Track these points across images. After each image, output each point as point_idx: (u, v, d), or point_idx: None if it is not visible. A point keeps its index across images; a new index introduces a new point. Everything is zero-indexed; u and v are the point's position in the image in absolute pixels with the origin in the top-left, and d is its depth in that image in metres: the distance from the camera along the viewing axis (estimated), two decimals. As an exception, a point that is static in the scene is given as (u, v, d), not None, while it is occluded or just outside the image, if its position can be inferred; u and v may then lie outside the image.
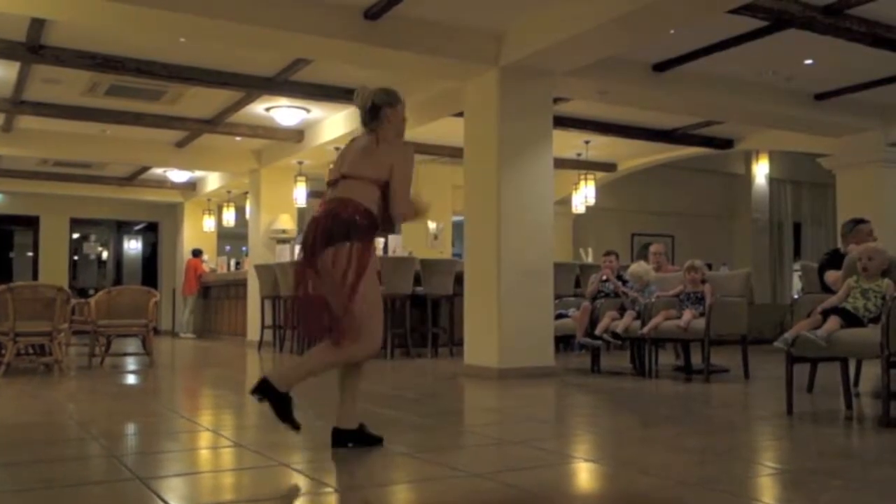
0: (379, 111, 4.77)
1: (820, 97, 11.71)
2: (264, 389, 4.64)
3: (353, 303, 4.48)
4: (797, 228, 19.69)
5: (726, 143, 15.02)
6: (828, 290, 6.96)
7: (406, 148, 4.80)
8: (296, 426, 4.67)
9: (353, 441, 4.73)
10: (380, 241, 14.01)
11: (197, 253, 19.88)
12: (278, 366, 5.01)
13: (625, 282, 9.98)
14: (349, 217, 4.52)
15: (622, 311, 9.61)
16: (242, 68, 10.82)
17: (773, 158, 19.14)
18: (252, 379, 10.36)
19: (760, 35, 9.10)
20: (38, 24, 9.07)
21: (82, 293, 18.51)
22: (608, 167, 17.04)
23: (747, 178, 19.40)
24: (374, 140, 4.73)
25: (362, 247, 4.52)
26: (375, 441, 4.80)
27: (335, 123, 13.38)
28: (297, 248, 4.93)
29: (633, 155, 16.39)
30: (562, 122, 12.21)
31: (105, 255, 23.91)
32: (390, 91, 4.87)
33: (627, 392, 8.30)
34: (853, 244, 7.42)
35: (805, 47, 9.67)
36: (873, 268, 6.06)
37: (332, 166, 4.92)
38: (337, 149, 13.68)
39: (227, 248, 22.68)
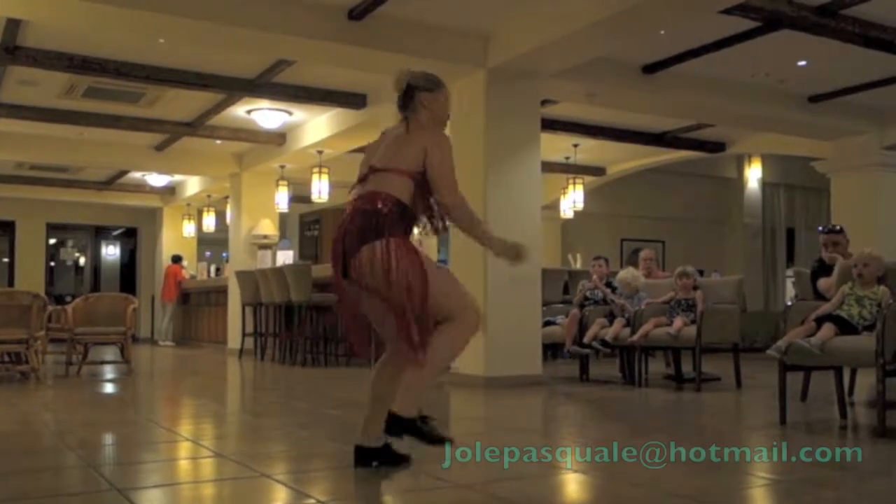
0: (413, 94, 4.34)
1: (814, 99, 11.64)
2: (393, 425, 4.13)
3: (414, 299, 4.00)
4: (790, 234, 19.62)
5: (718, 147, 14.95)
6: (821, 298, 6.91)
7: (440, 133, 4.36)
8: (447, 438, 4.19)
9: (378, 460, 4.36)
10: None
11: (176, 259, 19.78)
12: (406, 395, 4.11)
13: (614, 288, 9.85)
14: (374, 208, 4.09)
15: (611, 318, 9.48)
16: (223, 70, 10.74)
17: (766, 162, 19.08)
18: (233, 386, 10.26)
19: (752, 36, 9.05)
20: (13, 25, 9.01)
21: (59, 300, 18.37)
22: (597, 171, 16.99)
23: (739, 182, 19.32)
24: (405, 127, 4.32)
25: (397, 241, 4.04)
26: (403, 460, 4.40)
27: (318, 126, 13.27)
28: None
29: (622, 158, 16.36)
30: (550, 124, 12.16)
31: (82, 260, 23.86)
32: (430, 75, 4.46)
33: (617, 401, 8.28)
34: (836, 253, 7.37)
35: (798, 48, 9.62)
36: (868, 274, 5.98)
37: (362, 163, 4.48)
38: (320, 152, 13.65)
39: (208, 253, 22.62)
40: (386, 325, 4.19)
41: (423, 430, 4.10)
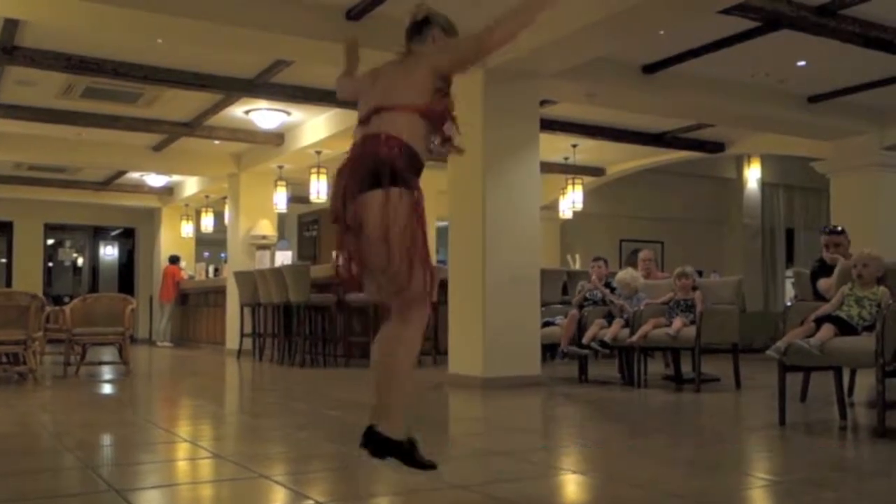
0: (426, 27, 3.96)
1: (813, 99, 11.62)
2: (378, 444, 3.64)
3: (415, 260, 3.58)
4: (790, 234, 19.60)
5: (717, 147, 14.94)
6: (820, 298, 6.91)
7: (438, 47, 3.92)
8: (431, 465, 3.72)
9: (398, 456, 3.68)
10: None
11: (174, 259, 19.75)
12: (377, 406, 3.68)
13: (613, 289, 9.83)
14: (387, 155, 3.59)
15: (610, 318, 9.45)
16: (221, 70, 10.71)
17: (766, 162, 19.05)
18: (231, 387, 10.24)
19: (752, 36, 9.03)
20: (11, 25, 8.99)
21: (57, 300, 18.37)
22: (596, 171, 16.97)
23: (739, 182, 19.29)
24: (405, 56, 3.93)
25: (401, 192, 3.58)
26: (430, 467, 3.75)
27: (316, 126, 13.26)
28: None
29: (621, 159, 16.34)
30: (549, 125, 12.13)
31: (80, 261, 23.84)
32: (450, 20, 4.05)
33: (616, 402, 8.25)
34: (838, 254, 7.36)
35: (798, 48, 9.60)
36: (868, 275, 5.96)
37: (360, 103, 3.98)
38: (318, 152, 13.62)
39: (206, 254, 22.60)
40: (385, 280, 3.69)
41: (412, 455, 3.66)
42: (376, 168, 3.58)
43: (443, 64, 3.80)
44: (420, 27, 3.98)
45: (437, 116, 3.75)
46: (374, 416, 3.69)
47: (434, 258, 13.07)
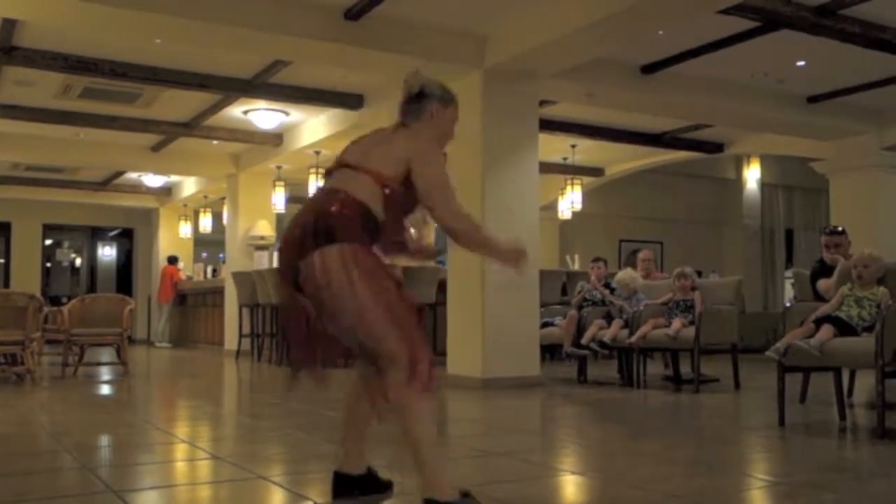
0: (424, 102, 3.70)
1: (813, 100, 11.60)
2: None
3: (364, 321, 3.33)
4: (789, 235, 19.59)
5: (716, 147, 14.92)
6: (820, 299, 6.90)
7: (432, 145, 3.65)
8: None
9: (360, 489, 3.79)
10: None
11: (173, 260, 19.72)
12: (421, 475, 3.40)
13: (612, 289, 9.81)
14: (336, 210, 3.38)
15: (609, 319, 9.44)
16: (219, 70, 10.69)
17: (765, 163, 19.04)
18: (230, 388, 10.22)
19: (751, 36, 9.02)
20: (9, 25, 8.97)
21: (55, 301, 18.35)
22: (595, 172, 16.96)
23: (738, 183, 19.29)
24: (397, 128, 3.72)
25: (356, 249, 3.34)
26: (386, 488, 3.89)
27: (315, 127, 13.25)
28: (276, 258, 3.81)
29: (620, 159, 16.33)
30: (548, 125, 12.11)
31: (78, 261, 23.80)
32: (446, 87, 3.81)
33: (615, 403, 8.23)
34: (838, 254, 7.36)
35: (797, 48, 9.58)
36: (868, 275, 5.95)
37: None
38: (317, 152, 13.61)
39: (204, 254, 22.55)
40: (349, 336, 3.48)
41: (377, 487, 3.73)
42: (324, 223, 3.36)
43: (414, 171, 3.49)
44: (415, 103, 3.73)
45: (398, 199, 3.49)
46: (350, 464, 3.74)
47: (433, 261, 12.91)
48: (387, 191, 3.45)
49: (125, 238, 22.99)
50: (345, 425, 3.80)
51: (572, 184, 15.46)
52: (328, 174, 3.66)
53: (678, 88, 10.67)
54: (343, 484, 3.78)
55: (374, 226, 3.43)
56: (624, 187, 17.98)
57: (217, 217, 19.52)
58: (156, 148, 15.42)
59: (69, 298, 14.47)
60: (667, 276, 10.21)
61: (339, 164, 3.62)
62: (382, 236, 3.49)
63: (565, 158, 15.50)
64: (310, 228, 3.37)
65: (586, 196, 16.00)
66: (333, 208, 3.38)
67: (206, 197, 19.39)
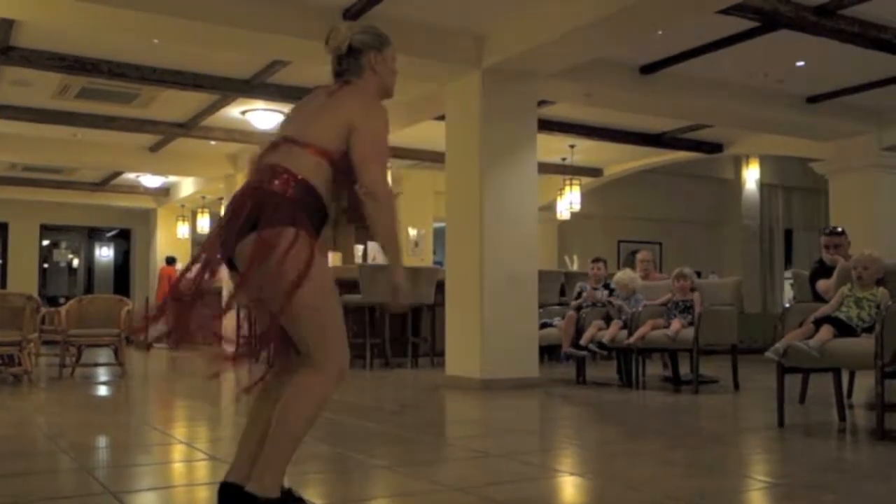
0: (359, 57, 3.42)
1: (812, 100, 11.58)
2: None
3: (293, 315, 3.17)
4: (788, 235, 19.58)
5: (716, 148, 14.90)
6: (819, 299, 6.90)
7: (376, 104, 3.41)
8: None
9: None
10: (358, 248, 13.85)
11: (171, 261, 19.68)
12: (256, 466, 3.20)
13: (611, 290, 9.79)
14: (279, 189, 3.16)
15: (608, 320, 9.42)
16: (217, 70, 10.68)
17: (764, 163, 19.03)
18: (228, 390, 10.18)
19: (751, 36, 9.01)
20: (6, 25, 8.94)
21: (52, 302, 18.32)
22: (594, 172, 16.96)
23: (737, 183, 19.27)
24: (336, 90, 3.41)
25: (298, 234, 3.11)
26: None
27: (314, 127, 13.15)
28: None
29: (619, 159, 16.32)
30: (546, 125, 12.08)
31: (76, 262, 23.80)
32: (373, 28, 3.53)
33: (614, 404, 8.22)
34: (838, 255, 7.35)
35: (797, 48, 9.56)
36: (868, 276, 5.94)
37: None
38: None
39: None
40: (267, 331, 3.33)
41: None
42: (263, 202, 3.15)
43: (353, 143, 3.26)
44: (349, 56, 3.46)
45: (347, 169, 3.29)
46: (238, 473, 3.31)
47: (430, 259, 13.04)
48: (331, 167, 3.25)
49: (123, 239, 22.99)
50: (247, 439, 3.40)
51: (571, 184, 15.43)
52: (273, 148, 3.34)
53: (677, 89, 10.65)
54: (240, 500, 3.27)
55: (318, 204, 3.24)
56: (623, 188, 17.96)
57: (215, 217, 19.46)
58: (154, 148, 15.41)
59: (66, 299, 14.46)
60: (666, 277, 10.21)
61: (281, 138, 3.36)
62: (325, 208, 3.29)
63: (564, 159, 15.48)
64: (250, 208, 3.16)
65: (585, 196, 15.96)
66: (275, 188, 3.17)
67: (203, 197, 19.34)
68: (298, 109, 3.52)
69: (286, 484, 3.27)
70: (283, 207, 3.14)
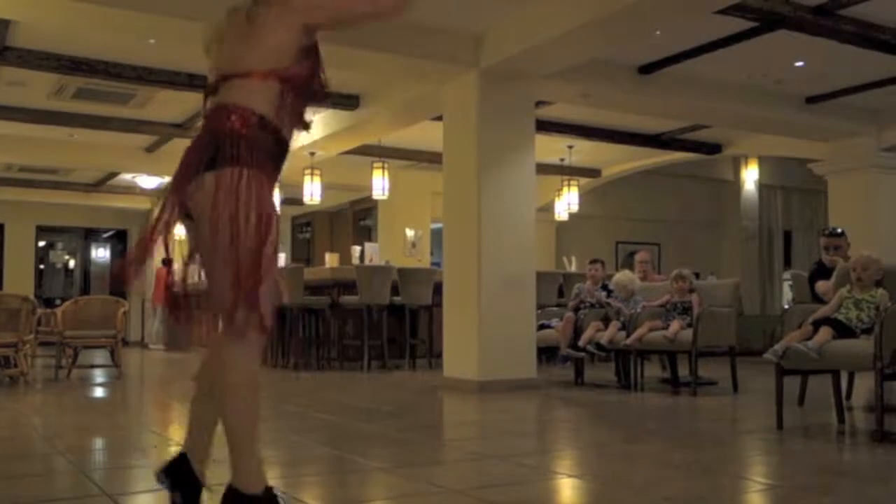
0: None
1: (811, 100, 11.58)
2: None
3: (255, 261, 2.94)
4: (787, 236, 19.55)
5: (714, 148, 14.90)
6: (818, 300, 6.88)
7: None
8: None
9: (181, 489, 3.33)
10: (356, 249, 13.82)
11: (167, 262, 19.54)
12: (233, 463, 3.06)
13: (609, 291, 9.77)
14: (231, 127, 2.96)
15: (606, 321, 9.39)
16: (214, 70, 10.55)
17: (763, 164, 19.00)
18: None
19: (749, 36, 9.00)
20: (2, 25, 8.95)
21: (48, 303, 18.32)
22: (592, 173, 16.94)
23: (736, 184, 19.25)
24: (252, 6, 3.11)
25: (254, 175, 2.95)
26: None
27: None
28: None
29: (617, 160, 16.30)
30: (544, 126, 12.06)
31: (72, 263, 23.81)
32: None
33: (612, 405, 8.20)
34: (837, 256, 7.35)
35: (795, 49, 9.55)
36: (867, 278, 5.92)
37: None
38: (312, 153, 13.54)
39: (198, 256, 22.55)
40: (213, 288, 3.08)
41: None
42: (217, 143, 2.96)
43: (315, 16, 3.08)
44: None
45: (302, 83, 3.11)
46: (196, 456, 3.28)
47: (427, 260, 13.03)
48: (280, 84, 3.04)
49: (119, 240, 22.95)
50: (199, 424, 3.37)
51: (569, 185, 15.40)
52: (213, 92, 3.13)
53: (676, 89, 10.64)
54: (185, 468, 3.31)
55: (271, 131, 3.03)
56: (621, 188, 17.95)
57: (214, 218, 19.44)
58: (150, 149, 15.37)
59: (63, 300, 14.42)
60: (664, 278, 10.21)
61: (219, 77, 3.12)
62: (283, 133, 3.10)
63: (562, 159, 15.45)
64: (204, 148, 2.98)
65: (583, 197, 15.94)
66: (227, 125, 2.96)
67: (199, 198, 19.31)
68: (220, 44, 3.20)
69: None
70: (240, 146, 2.95)
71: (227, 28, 3.17)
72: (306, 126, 3.26)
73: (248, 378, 3.04)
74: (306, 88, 3.14)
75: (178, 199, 3.05)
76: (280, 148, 3.10)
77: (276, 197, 3.16)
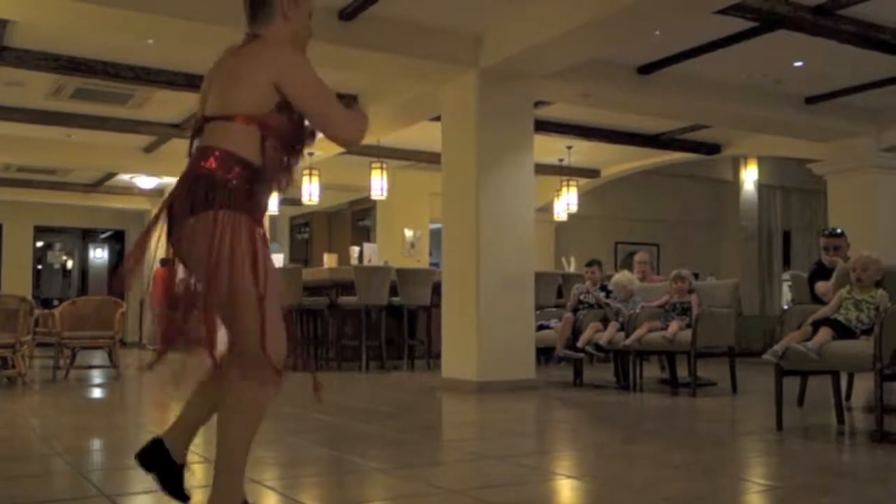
0: (269, 1, 3.20)
1: (810, 100, 11.57)
2: None
3: (237, 302, 3.01)
4: (787, 237, 19.54)
5: (713, 149, 14.89)
6: (818, 301, 6.88)
7: (288, 49, 3.17)
8: None
9: (164, 478, 3.47)
10: (354, 250, 13.81)
11: (165, 262, 19.52)
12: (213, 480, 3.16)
13: (609, 292, 9.75)
14: (212, 169, 2.99)
15: (605, 322, 9.38)
16: (212, 71, 10.55)
17: (762, 164, 18.99)
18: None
19: (749, 36, 9.01)
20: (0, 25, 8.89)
21: (46, 304, 18.33)
22: (591, 173, 16.94)
23: (735, 184, 19.24)
24: (251, 46, 3.16)
25: (234, 217, 2.97)
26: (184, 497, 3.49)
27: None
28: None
29: (616, 160, 16.30)
30: (543, 126, 12.07)
31: (70, 263, 23.81)
32: None
33: (611, 406, 8.20)
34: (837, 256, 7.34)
35: (795, 49, 9.55)
36: (867, 278, 5.91)
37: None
38: (311, 154, 13.50)
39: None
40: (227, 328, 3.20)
41: None
42: (198, 187, 3.00)
43: (288, 94, 3.07)
44: (256, 6, 3.23)
45: (285, 134, 3.12)
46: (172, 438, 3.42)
47: (426, 261, 13.01)
48: (261, 130, 3.05)
49: (117, 240, 22.95)
50: (184, 412, 3.49)
51: (568, 185, 15.40)
52: (198, 133, 3.17)
53: (675, 89, 10.63)
54: (160, 454, 3.44)
55: (254, 176, 3.04)
56: (620, 189, 17.95)
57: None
58: (148, 149, 15.36)
59: (60, 301, 14.41)
60: (663, 279, 10.19)
61: (204, 119, 3.16)
62: (265, 180, 3.12)
63: (561, 160, 15.45)
64: (187, 191, 3.02)
65: (582, 198, 15.94)
66: (208, 167, 3.00)
67: (198, 199, 19.31)
68: (210, 82, 3.22)
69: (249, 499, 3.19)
70: (221, 190, 2.98)
71: (218, 67, 3.21)
72: (290, 178, 3.26)
73: (251, 403, 3.10)
74: (289, 139, 3.15)
75: (169, 243, 3.19)
76: (261, 186, 3.10)
77: (265, 235, 3.19)
